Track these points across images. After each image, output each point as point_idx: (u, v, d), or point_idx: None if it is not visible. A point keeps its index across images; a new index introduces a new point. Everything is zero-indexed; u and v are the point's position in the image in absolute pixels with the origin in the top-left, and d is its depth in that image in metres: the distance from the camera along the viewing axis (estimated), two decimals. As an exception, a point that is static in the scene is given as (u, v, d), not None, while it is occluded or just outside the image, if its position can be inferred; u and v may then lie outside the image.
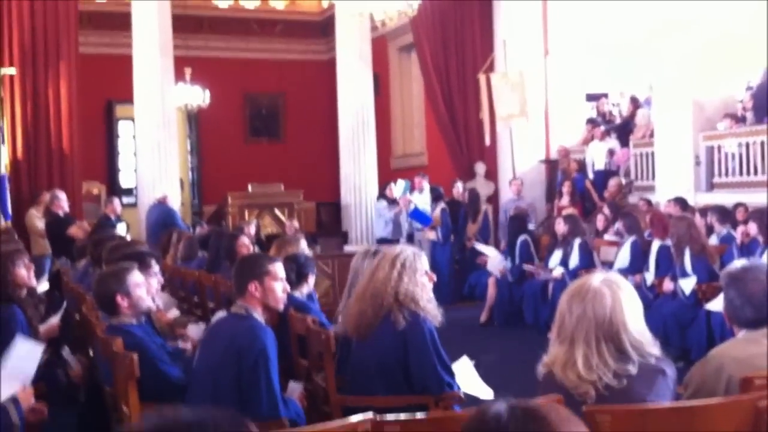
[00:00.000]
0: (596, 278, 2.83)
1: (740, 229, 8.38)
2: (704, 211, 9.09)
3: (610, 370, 2.70)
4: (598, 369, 2.70)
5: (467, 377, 4.41)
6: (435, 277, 4.27)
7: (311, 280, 5.29)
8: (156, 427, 1.22)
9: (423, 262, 4.14)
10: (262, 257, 4.29)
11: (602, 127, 13.03)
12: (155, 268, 5.04)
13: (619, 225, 9.20)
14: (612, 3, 12.97)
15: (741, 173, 10.55)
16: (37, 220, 11.62)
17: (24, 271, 5.13)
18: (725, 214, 8.78)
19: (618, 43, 13.52)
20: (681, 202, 9.58)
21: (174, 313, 6.22)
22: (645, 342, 2.78)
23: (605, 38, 13.62)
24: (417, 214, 12.18)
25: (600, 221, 10.36)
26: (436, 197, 12.44)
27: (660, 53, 11.20)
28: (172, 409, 1.28)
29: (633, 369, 2.70)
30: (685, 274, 7.65)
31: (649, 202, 10.54)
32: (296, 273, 5.09)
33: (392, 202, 13.24)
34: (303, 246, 5.99)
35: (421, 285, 4.07)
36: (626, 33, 13.11)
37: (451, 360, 4.26)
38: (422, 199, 12.57)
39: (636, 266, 8.52)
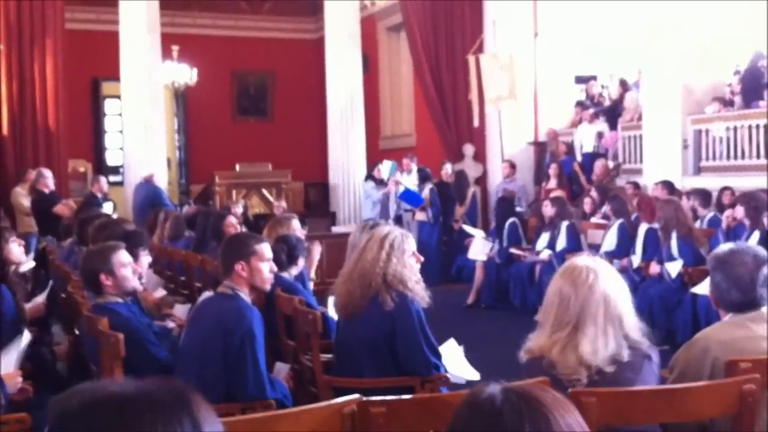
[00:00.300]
0: (589, 261, 2.84)
1: (727, 212, 8.40)
2: (689, 194, 9.13)
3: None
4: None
5: (454, 359, 4.41)
6: (422, 258, 4.26)
7: (301, 262, 5.28)
8: (86, 404, 1.13)
9: (411, 243, 4.15)
10: (248, 237, 4.27)
11: (591, 110, 13.03)
12: (144, 247, 5.02)
13: (606, 208, 9.22)
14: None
15: (728, 157, 10.58)
16: (22, 198, 11.56)
17: (17, 248, 5.10)
18: (707, 198, 8.84)
19: (608, 25, 13.50)
20: (668, 185, 9.60)
21: (160, 292, 6.21)
22: (635, 327, 2.80)
23: (595, 20, 13.60)
24: (408, 195, 12.16)
25: (587, 204, 10.38)
26: (423, 178, 12.42)
27: (650, 36, 11.18)
28: (106, 381, 1.20)
29: (625, 354, 2.73)
30: (671, 258, 7.68)
31: (636, 185, 10.56)
32: (287, 254, 5.08)
33: (380, 183, 13.22)
34: (296, 226, 5.97)
35: (409, 266, 4.07)
36: (616, 15, 13.10)
37: (438, 342, 4.27)
38: (410, 181, 12.54)
39: (623, 249, 8.56)
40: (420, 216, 12.27)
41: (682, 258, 7.58)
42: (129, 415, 1.12)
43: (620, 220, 8.78)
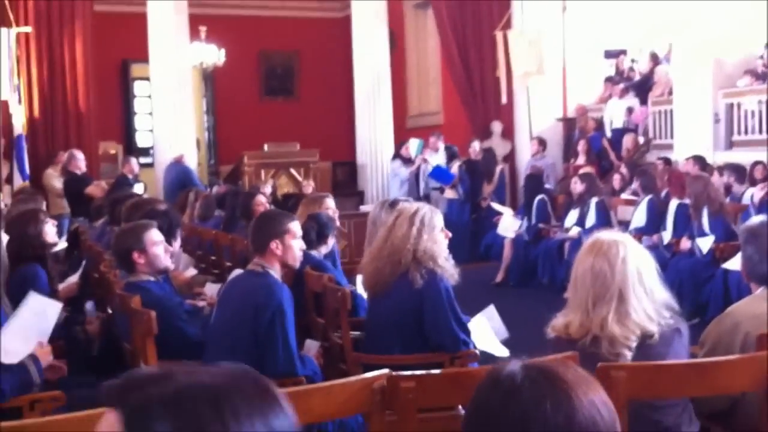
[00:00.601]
0: (615, 235, 2.84)
1: (759, 187, 8.31)
2: (722, 170, 9.02)
3: (652, 323, 2.72)
4: (652, 319, 2.71)
5: (483, 335, 4.43)
6: (450, 234, 4.26)
7: (331, 240, 5.29)
8: (178, 391, 1.10)
9: (440, 220, 4.14)
10: (282, 215, 4.28)
11: (621, 85, 12.89)
12: (175, 227, 5.06)
13: (635, 184, 9.14)
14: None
15: (760, 131, 10.43)
16: (54, 179, 11.69)
17: (52, 229, 5.17)
18: (742, 173, 8.70)
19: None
20: (699, 160, 9.50)
21: (191, 271, 6.27)
22: (664, 300, 2.80)
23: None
24: (439, 172, 12.14)
25: (616, 180, 10.29)
26: (451, 156, 12.40)
27: (681, 8, 11.02)
28: (192, 368, 1.15)
29: (657, 327, 2.73)
30: (702, 233, 7.62)
31: (666, 161, 10.45)
32: (317, 233, 5.09)
33: (407, 161, 13.20)
34: (330, 205, 5.97)
35: (439, 242, 4.06)
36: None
37: (467, 317, 4.29)
38: (437, 159, 12.53)
39: (652, 225, 8.48)
40: (450, 194, 12.26)
41: (713, 234, 7.52)
42: (226, 408, 1.09)
43: (649, 196, 8.70)
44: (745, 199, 8.24)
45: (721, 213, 7.57)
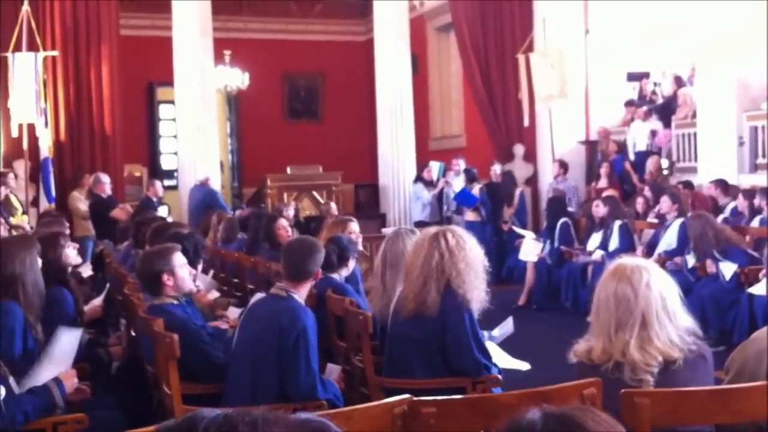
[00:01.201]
0: (637, 261, 2.83)
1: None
2: (747, 193, 8.91)
3: (677, 347, 2.71)
4: (675, 345, 2.70)
5: (503, 354, 4.44)
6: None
7: (352, 263, 5.28)
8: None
9: (473, 242, 4.10)
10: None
11: (645, 107, 12.85)
12: (199, 250, 5.10)
13: (664, 206, 8.92)
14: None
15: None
16: (80, 202, 11.81)
17: (72, 251, 5.21)
18: None
19: (660, 20, 13.30)
20: (722, 183, 9.42)
21: (214, 294, 6.30)
22: (687, 325, 2.78)
23: (647, 15, 13.40)
24: (463, 195, 12.14)
25: (640, 204, 10.19)
26: (470, 179, 12.41)
27: (704, 31, 10.99)
28: (257, 416, 1.17)
29: (680, 353, 2.71)
30: (726, 257, 7.55)
31: (687, 185, 10.34)
32: (337, 255, 5.08)
33: (429, 184, 13.22)
34: (354, 228, 5.98)
35: (470, 264, 4.01)
36: (668, 9, 12.89)
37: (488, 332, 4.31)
38: (458, 182, 12.55)
39: (682, 248, 8.38)
40: (471, 216, 12.24)
41: (734, 261, 7.43)
42: None
43: (681, 219, 8.57)
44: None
45: (732, 244, 7.48)
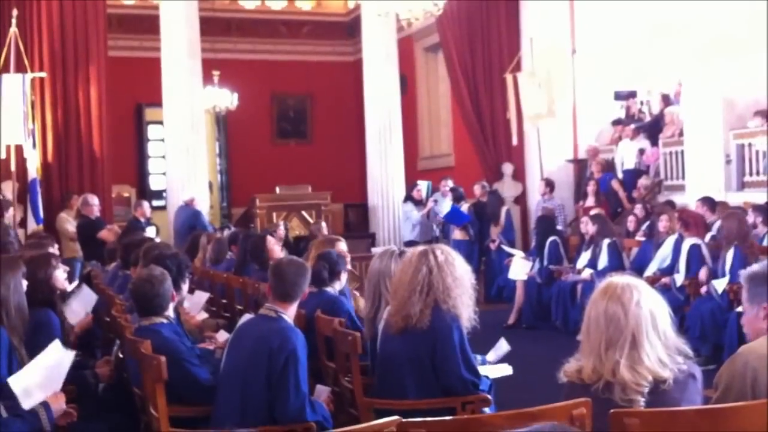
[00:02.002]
0: (627, 279, 2.83)
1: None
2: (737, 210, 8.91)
3: (665, 369, 2.70)
4: (665, 365, 2.69)
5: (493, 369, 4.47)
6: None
7: (343, 277, 5.34)
8: None
9: (459, 259, 4.11)
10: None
11: (632, 126, 12.92)
12: (185, 272, 5.07)
13: (661, 225, 8.88)
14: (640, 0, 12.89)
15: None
16: (68, 223, 11.75)
17: (62, 274, 5.18)
18: None
19: (646, 38, 13.39)
20: (709, 201, 9.45)
21: (202, 315, 6.26)
22: (677, 344, 2.78)
23: (633, 35, 13.49)
24: (453, 214, 12.19)
25: (632, 222, 10.18)
26: (457, 198, 12.46)
27: (689, 48, 11.07)
28: None
29: (669, 373, 2.70)
30: (724, 272, 7.55)
31: (670, 204, 10.32)
32: (329, 270, 5.18)
33: (419, 203, 13.25)
34: (342, 248, 6.00)
35: (458, 280, 4.03)
36: (654, 28, 12.99)
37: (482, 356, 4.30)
38: (446, 202, 12.62)
39: (674, 264, 8.37)
40: (459, 235, 12.29)
41: (735, 273, 7.42)
42: None
43: (675, 235, 8.55)
44: (766, 242, 8.14)
45: (748, 253, 7.49)
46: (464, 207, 12.20)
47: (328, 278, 5.16)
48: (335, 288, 5.23)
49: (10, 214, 10.92)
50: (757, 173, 10.61)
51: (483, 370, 4.32)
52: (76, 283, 6.97)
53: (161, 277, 4.32)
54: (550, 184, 12.57)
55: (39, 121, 12.51)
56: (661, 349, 2.73)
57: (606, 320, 2.74)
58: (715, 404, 2.85)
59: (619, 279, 2.84)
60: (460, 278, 4.03)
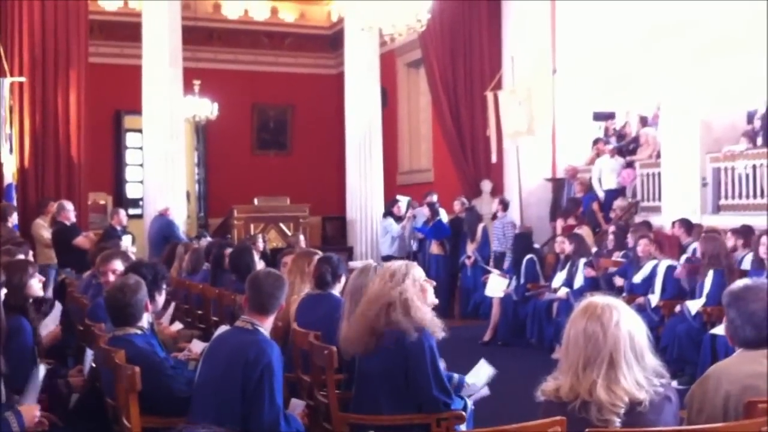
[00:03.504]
0: (608, 300, 2.84)
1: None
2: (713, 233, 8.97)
3: (644, 389, 2.71)
4: (641, 387, 2.70)
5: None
6: (434, 283, 4.29)
7: (344, 279, 5.37)
8: None
9: (420, 272, 4.16)
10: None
11: (611, 145, 12.98)
12: (163, 282, 5.03)
13: (641, 248, 8.89)
14: (620, 20, 13.01)
15: (747, 196, 10.50)
16: (43, 229, 11.64)
17: (37, 283, 5.13)
18: (749, 237, 8.53)
19: (626, 60, 13.51)
20: (685, 223, 9.51)
21: (177, 326, 6.22)
22: (654, 365, 2.79)
23: (613, 55, 13.61)
24: (436, 227, 12.29)
25: (612, 242, 10.20)
26: (433, 213, 12.53)
27: (667, 71, 11.18)
28: None
29: (646, 394, 2.71)
30: (701, 294, 7.60)
31: (645, 225, 10.34)
32: (331, 273, 5.30)
33: (398, 219, 13.28)
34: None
35: (420, 295, 4.07)
36: (634, 50, 13.11)
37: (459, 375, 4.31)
38: (423, 216, 12.73)
39: (648, 286, 8.41)
40: (436, 250, 12.35)
41: (712, 296, 7.47)
42: None
43: (655, 261, 8.56)
44: (745, 264, 8.19)
45: (727, 275, 7.54)
46: (445, 219, 12.31)
47: (331, 281, 5.30)
48: (336, 290, 5.32)
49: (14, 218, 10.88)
50: (733, 197, 10.71)
51: (465, 392, 4.32)
52: (50, 288, 6.92)
53: (134, 287, 4.28)
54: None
55: (17, 125, 12.42)
56: (638, 370, 2.74)
57: (585, 339, 2.75)
58: (688, 426, 2.87)
59: (599, 299, 2.85)
60: (421, 290, 4.09)
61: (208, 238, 12.39)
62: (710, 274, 7.59)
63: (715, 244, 7.72)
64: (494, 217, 12.55)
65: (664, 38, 11.14)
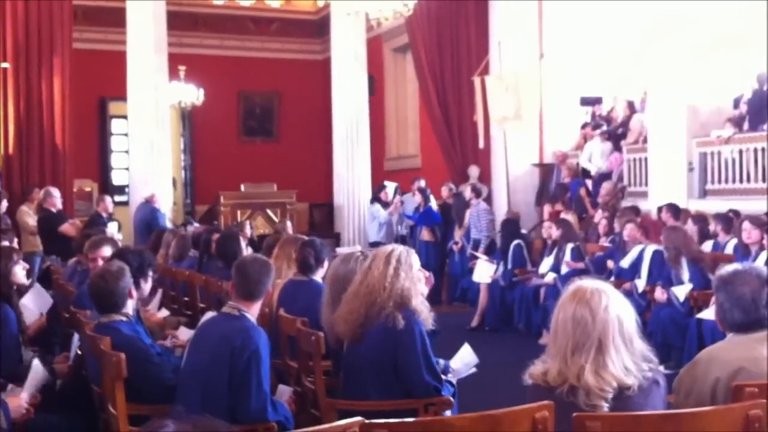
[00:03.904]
0: (597, 284, 2.83)
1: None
2: (697, 218, 9.03)
3: (632, 374, 2.71)
4: (629, 372, 2.70)
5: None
6: (428, 274, 4.26)
7: (326, 265, 5.32)
8: None
9: (416, 260, 4.12)
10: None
11: (599, 130, 12.96)
12: (149, 269, 5.00)
13: (627, 232, 8.91)
14: (607, 5, 12.99)
15: (734, 180, 10.53)
16: (28, 217, 11.57)
17: (21, 271, 5.10)
18: (729, 223, 8.58)
19: (613, 46, 13.51)
20: (673, 208, 9.54)
21: (164, 313, 6.19)
22: (642, 350, 2.79)
23: (600, 41, 13.61)
24: (426, 214, 12.29)
25: (602, 226, 10.21)
26: (425, 198, 12.51)
27: (654, 56, 11.19)
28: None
29: (634, 379, 2.71)
30: (680, 282, 7.63)
31: (633, 210, 10.38)
32: (314, 258, 5.26)
33: (385, 205, 13.25)
34: None
35: (414, 283, 4.03)
36: (621, 36, 13.11)
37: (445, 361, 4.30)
38: (412, 203, 12.68)
39: (635, 271, 8.44)
40: (426, 236, 12.34)
41: (692, 282, 7.52)
42: None
43: (642, 246, 8.58)
44: (728, 250, 8.23)
45: (699, 262, 7.60)
46: (435, 206, 12.31)
47: (314, 265, 5.25)
48: (318, 275, 5.27)
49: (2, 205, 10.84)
50: (719, 182, 10.74)
51: (451, 376, 4.33)
52: (35, 276, 6.88)
53: (118, 273, 4.24)
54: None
55: (1, 112, 12.33)
56: (626, 355, 2.74)
57: (573, 324, 2.74)
58: (677, 409, 2.88)
59: (588, 283, 2.84)
60: (417, 279, 4.05)
61: (195, 225, 12.36)
62: (683, 263, 7.63)
63: (677, 235, 7.76)
64: (468, 204, 12.50)
65: (651, 23, 11.13)
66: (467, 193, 12.46)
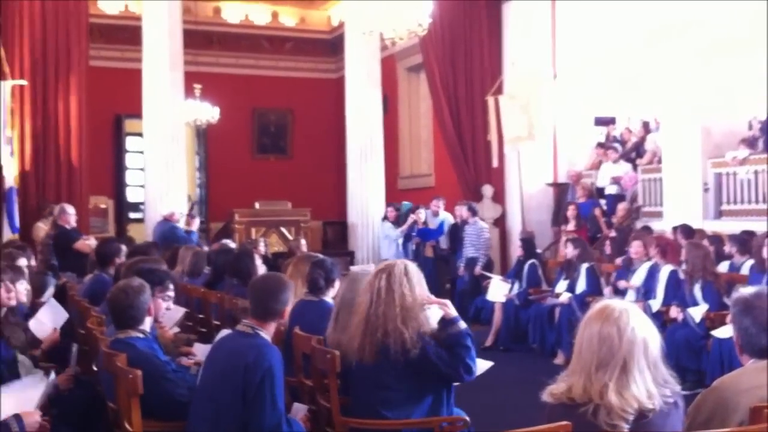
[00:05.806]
0: (624, 304, 2.81)
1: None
2: (713, 239, 9.00)
3: (655, 396, 2.67)
4: (652, 395, 2.67)
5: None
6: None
7: (338, 284, 5.28)
8: None
9: (415, 272, 4.05)
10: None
11: (613, 150, 12.94)
12: (170, 286, 5.00)
13: (634, 249, 8.89)
14: (622, 26, 13.02)
15: (750, 201, 10.49)
16: (43, 233, 11.62)
17: (3, 292, 5.06)
18: (745, 244, 8.55)
19: (627, 66, 13.52)
20: (685, 229, 9.49)
21: (174, 329, 6.18)
22: (667, 376, 2.76)
23: (614, 62, 13.61)
24: (424, 230, 12.37)
25: (608, 246, 10.20)
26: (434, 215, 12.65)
27: (669, 77, 11.18)
28: None
29: (658, 401, 2.68)
30: (694, 302, 7.59)
31: (646, 230, 10.35)
32: (324, 278, 5.19)
33: (395, 223, 13.31)
34: None
35: (420, 300, 3.99)
36: (636, 58, 13.11)
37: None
38: (435, 222, 12.81)
39: (648, 289, 8.39)
40: (429, 252, 12.43)
41: (706, 302, 7.49)
42: None
43: (650, 263, 8.55)
44: (744, 270, 8.18)
45: (714, 283, 7.55)
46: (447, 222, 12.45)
47: (324, 286, 5.18)
48: (329, 296, 5.20)
49: None
50: (735, 202, 10.70)
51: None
52: (51, 292, 6.89)
53: (138, 289, 4.26)
54: (471, 209, 12.36)
55: (18, 129, 12.44)
56: (649, 378, 2.70)
57: (599, 341, 2.71)
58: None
59: (616, 302, 2.81)
60: (423, 294, 4.01)
61: (200, 241, 12.32)
62: (698, 284, 7.59)
63: (698, 253, 7.72)
64: (496, 222, 12.47)
65: (664, 41, 11.15)
66: (463, 212, 12.41)
